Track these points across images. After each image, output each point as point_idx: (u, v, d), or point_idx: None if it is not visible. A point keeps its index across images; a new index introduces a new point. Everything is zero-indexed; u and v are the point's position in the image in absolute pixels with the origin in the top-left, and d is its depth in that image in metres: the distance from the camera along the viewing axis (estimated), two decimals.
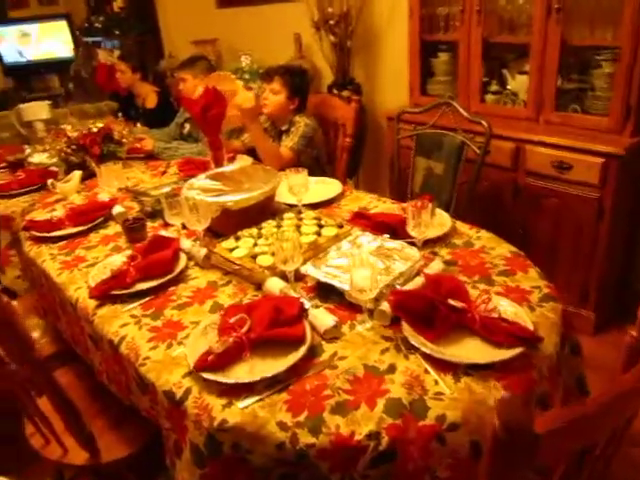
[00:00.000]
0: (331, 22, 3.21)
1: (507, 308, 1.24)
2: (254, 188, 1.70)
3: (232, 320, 1.21)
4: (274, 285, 1.38)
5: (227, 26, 4.51)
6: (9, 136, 3.24)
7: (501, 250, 1.55)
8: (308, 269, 1.40)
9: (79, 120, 2.79)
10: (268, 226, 1.64)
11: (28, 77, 6.36)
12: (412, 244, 1.51)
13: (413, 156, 2.41)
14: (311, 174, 1.92)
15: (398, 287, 1.32)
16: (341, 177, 2.52)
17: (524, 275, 1.42)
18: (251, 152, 2.60)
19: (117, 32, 5.17)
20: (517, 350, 1.11)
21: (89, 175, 2.43)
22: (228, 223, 1.69)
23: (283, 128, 2.47)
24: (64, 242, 1.87)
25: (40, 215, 2.06)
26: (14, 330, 1.12)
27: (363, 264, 1.24)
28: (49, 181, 2.28)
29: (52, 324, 1.93)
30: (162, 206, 1.76)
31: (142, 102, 3.61)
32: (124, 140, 2.51)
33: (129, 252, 1.66)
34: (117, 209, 1.97)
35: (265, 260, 1.46)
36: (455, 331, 1.20)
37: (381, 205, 1.92)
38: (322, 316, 1.25)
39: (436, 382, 1.08)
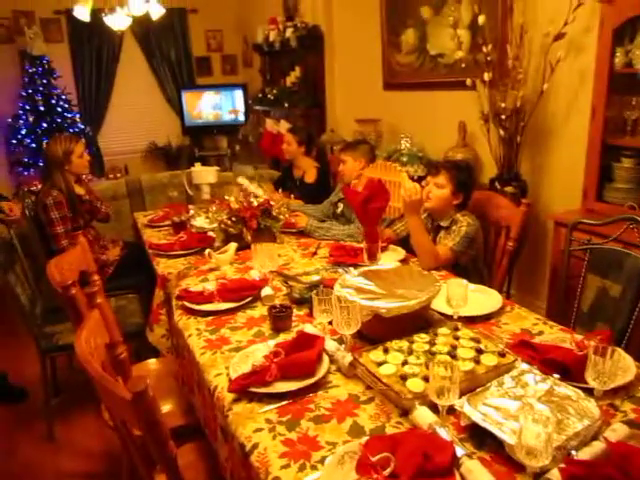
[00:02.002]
0: (502, 116, 3.08)
1: None
2: (409, 295, 1.59)
3: (374, 458, 1.08)
4: (423, 417, 1.23)
5: (391, 108, 4.58)
6: (177, 195, 3.47)
7: None
8: (464, 405, 1.24)
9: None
10: (420, 341, 1.51)
11: (201, 136, 7.00)
12: (587, 390, 1.29)
13: (584, 271, 2.15)
14: (466, 276, 1.77)
15: (573, 453, 1.11)
16: (499, 284, 2.32)
17: None
18: (402, 241, 2.51)
19: (286, 104, 5.49)
20: None
21: (244, 246, 2.48)
22: (377, 327, 1.59)
23: (443, 224, 2.35)
24: (212, 317, 1.88)
25: (193, 284, 2.12)
26: (155, 430, 1.09)
27: (536, 418, 1.05)
28: (206, 251, 2.35)
29: (187, 396, 1.93)
30: (311, 295, 1.71)
31: (301, 175, 3.71)
32: (281, 216, 2.55)
33: (272, 342, 1.61)
34: (266, 291, 1.95)
35: (415, 385, 1.32)
36: None
37: (547, 331, 1.70)
38: (478, 472, 1.07)
39: None
